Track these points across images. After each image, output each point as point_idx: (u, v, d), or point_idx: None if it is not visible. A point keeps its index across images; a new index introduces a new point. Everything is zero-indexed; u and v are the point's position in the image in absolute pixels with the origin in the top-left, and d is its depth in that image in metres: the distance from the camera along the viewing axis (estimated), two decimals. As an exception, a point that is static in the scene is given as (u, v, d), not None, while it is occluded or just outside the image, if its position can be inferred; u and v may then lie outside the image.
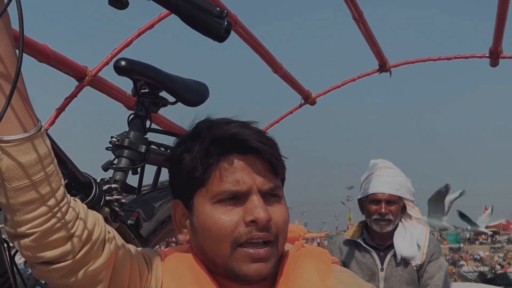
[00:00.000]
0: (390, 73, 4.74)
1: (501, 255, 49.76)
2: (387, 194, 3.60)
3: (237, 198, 1.36)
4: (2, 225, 1.31)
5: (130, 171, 2.06)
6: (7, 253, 1.52)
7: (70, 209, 1.24)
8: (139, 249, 1.44)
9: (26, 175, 1.16)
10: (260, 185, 1.36)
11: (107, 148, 2.06)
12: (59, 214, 1.21)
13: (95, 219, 1.30)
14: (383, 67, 4.69)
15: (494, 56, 4.38)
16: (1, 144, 1.14)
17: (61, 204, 1.21)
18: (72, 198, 1.28)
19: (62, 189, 1.22)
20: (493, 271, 36.34)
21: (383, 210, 3.59)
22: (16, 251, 1.63)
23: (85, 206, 1.31)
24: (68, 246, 1.22)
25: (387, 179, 3.64)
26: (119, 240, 1.35)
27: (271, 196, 1.38)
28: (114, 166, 2.00)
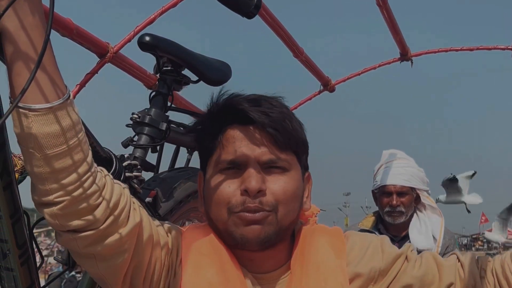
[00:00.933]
0: (412, 62, 4.70)
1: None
2: (398, 186, 3.59)
3: (238, 167, 1.40)
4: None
5: (150, 149, 2.05)
6: (26, 225, 1.52)
7: (98, 178, 1.26)
8: (161, 221, 1.47)
9: (56, 144, 1.17)
10: (258, 156, 1.39)
11: (127, 125, 2.04)
12: (87, 184, 1.22)
13: (121, 190, 1.32)
14: (405, 55, 4.65)
15: (517, 48, 4.33)
16: (31, 113, 1.15)
17: (89, 173, 1.23)
18: (99, 168, 1.30)
19: (90, 157, 1.25)
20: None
21: (394, 202, 3.59)
22: (35, 223, 1.64)
23: (111, 176, 1.33)
24: (94, 215, 1.25)
25: (398, 170, 3.62)
26: (144, 212, 1.38)
27: (274, 168, 1.41)
28: (134, 143, 1.99)
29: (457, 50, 4.62)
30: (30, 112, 1.15)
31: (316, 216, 1.63)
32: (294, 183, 1.42)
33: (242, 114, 1.40)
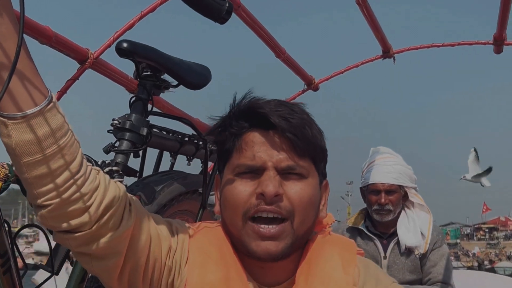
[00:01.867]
0: (394, 59, 4.72)
1: (497, 251, 49.98)
2: (386, 184, 3.59)
3: (255, 172, 1.38)
4: None
5: (132, 154, 2.06)
6: (7, 233, 1.53)
7: (88, 181, 1.26)
8: (169, 220, 1.47)
9: (37, 150, 1.17)
10: (276, 162, 1.37)
11: (108, 131, 2.05)
12: (74, 187, 1.23)
13: (115, 191, 1.31)
14: (387, 53, 4.67)
15: (498, 43, 4.36)
16: (9, 121, 1.15)
17: (76, 177, 1.23)
18: (94, 168, 1.30)
19: (77, 161, 1.24)
20: (482, 266, 36.62)
21: (382, 200, 3.58)
22: (17, 233, 1.65)
23: (107, 177, 1.32)
24: (83, 218, 1.25)
25: (386, 169, 3.62)
26: (142, 212, 1.38)
27: (292, 174, 1.39)
28: (116, 148, 2.00)
29: (438, 46, 4.65)
30: (8, 121, 1.15)
31: (330, 226, 1.62)
32: (311, 190, 1.40)
33: (263, 118, 1.38)
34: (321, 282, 1.41)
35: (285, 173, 1.38)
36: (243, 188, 1.38)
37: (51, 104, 1.19)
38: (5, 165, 1.75)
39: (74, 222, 1.25)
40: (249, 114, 1.41)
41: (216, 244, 1.45)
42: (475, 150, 11.85)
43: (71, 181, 1.22)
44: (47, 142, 1.18)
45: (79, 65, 2.63)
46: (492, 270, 33.03)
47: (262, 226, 1.36)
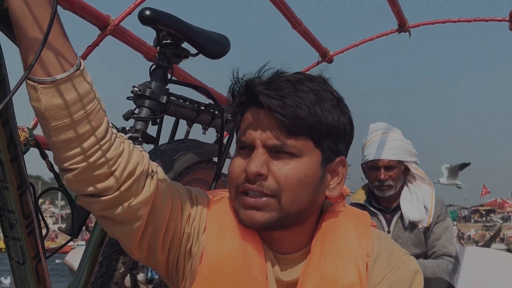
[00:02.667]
0: (409, 34, 4.70)
1: (492, 233, 50.01)
2: (386, 160, 3.62)
3: (249, 149, 1.42)
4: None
5: (150, 121, 2.08)
6: (32, 196, 1.57)
7: (113, 146, 1.29)
8: (188, 188, 1.51)
9: (65, 115, 1.20)
10: (264, 139, 1.40)
11: (128, 98, 2.07)
12: (99, 152, 1.26)
13: (139, 157, 1.35)
14: (402, 27, 4.65)
15: (515, 20, 4.32)
16: (39, 86, 1.18)
17: (101, 142, 1.26)
18: (119, 135, 1.33)
19: (103, 126, 1.27)
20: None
21: (382, 176, 3.62)
22: (40, 194, 1.69)
23: (131, 144, 1.36)
24: (108, 182, 1.29)
25: (385, 144, 3.64)
26: (163, 179, 1.42)
27: (283, 152, 1.40)
28: (135, 115, 2.02)
29: (454, 22, 4.63)
30: (38, 85, 1.18)
31: (345, 198, 1.64)
32: (304, 170, 1.41)
33: (257, 98, 1.40)
34: (336, 252, 1.44)
35: (276, 152, 1.40)
36: (237, 164, 1.43)
37: (79, 70, 1.22)
38: (25, 129, 1.78)
39: (98, 186, 1.29)
40: (246, 92, 1.44)
41: (232, 213, 1.48)
42: (450, 166, 12.24)
43: (97, 146, 1.26)
44: (74, 107, 1.21)
45: (99, 32, 2.65)
46: (486, 251, 33.09)
47: (248, 197, 1.41)
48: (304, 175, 1.41)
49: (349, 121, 1.48)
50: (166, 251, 1.43)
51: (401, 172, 3.67)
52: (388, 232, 3.65)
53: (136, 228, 1.37)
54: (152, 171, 1.39)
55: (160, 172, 1.42)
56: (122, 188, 1.31)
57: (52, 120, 1.21)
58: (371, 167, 3.68)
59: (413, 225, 3.64)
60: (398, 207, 3.69)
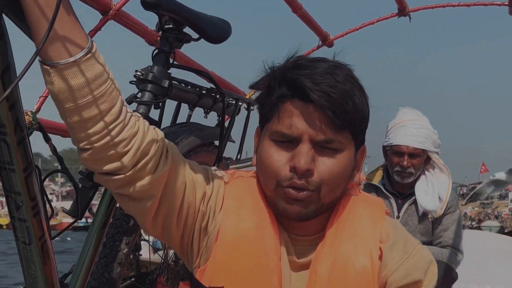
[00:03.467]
0: (410, 18, 4.71)
1: (489, 210, 49.91)
2: (411, 147, 3.59)
3: (291, 141, 1.42)
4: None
5: (153, 105, 2.11)
6: (37, 178, 1.60)
7: (127, 127, 1.33)
8: (205, 167, 1.54)
9: (77, 97, 1.24)
10: (312, 135, 1.40)
11: (131, 82, 2.09)
12: (113, 132, 1.30)
13: (153, 136, 1.38)
14: (402, 11, 4.65)
15: (515, 4, 4.33)
16: (51, 69, 1.22)
17: (116, 122, 1.30)
18: (135, 114, 1.37)
19: (117, 107, 1.30)
20: (469, 226, 36.63)
21: (405, 163, 3.60)
22: (45, 177, 1.72)
23: (146, 123, 1.39)
24: (123, 162, 1.33)
25: (412, 132, 3.61)
26: (178, 158, 1.45)
27: (327, 148, 1.42)
28: (138, 99, 2.05)
29: (454, 6, 4.64)
30: (51, 69, 1.22)
31: (361, 184, 1.67)
32: (344, 163, 1.44)
33: (304, 91, 1.40)
34: (350, 236, 1.48)
35: (320, 146, 1.42)
36: (278, 157, 1.43)
37: (90, 54, 1.25)
38: (29, 113, 1.80)
39: (113, 165, 1.33)
40: (292, 84, 1.43)
41: (251, 193, 1.52)
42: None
43: (111, 126, 1.29)
44: (86, 89, 1.25)
45: (101, 16, 2.67)
46: (478, 228, 33.00)
47: (293, 190, 1.42)
48: (344, 169, 1.45)
49: (369, 109, 1.51)
50: (181, 228, 1.47)
51: (423, 161, 3.66)
52: (397, 217, 3.65)
53: (150, 205, 1.41)
54: (167, 151, 1.42)
55: (176, 151, 1.46)
56: (136, 168, 1.35)
57: (66, 102, 1.25)
58: (394, 152, 3.65)
59: (423, 214, 3.65)
60: (411, 194, 3.69)
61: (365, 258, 1.46)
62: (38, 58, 1.22)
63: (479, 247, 6.33)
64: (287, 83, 1.44)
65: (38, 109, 2.52)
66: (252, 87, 1.55)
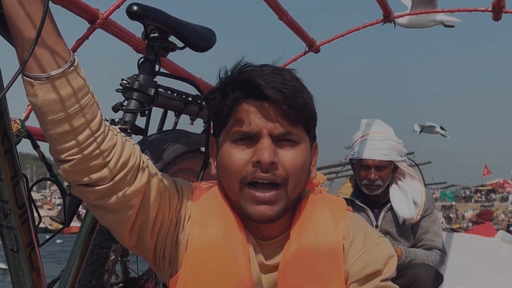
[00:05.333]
0: (395, 24, 4.75)
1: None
2: (377, 160, 3.61)
3: (250, 139, 1.46)
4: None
5: (139, 113, 2.13)
6: (25, 186, 1.62)
7: (107, 138, 1.35)
8: (173, 179, 1.56)
9: (61, 109, 1.26)
10: (271, 129, 1.45)
11: (117, 90, 2.12)
12: (94, 144, 1.32)
13: (131, 149, 1.41)
14: (388, 17, 4.70)
15: (497, 11, 4.38)
16: (35, 82, 1.24)
17: (96, 134, 1.32)
18: (112, 127, 1.39)
19: (97, 119, 1.33)
20: (465, 227, 36.50)
21: (372, 176, 3.62)
22: (32, 185, 1.74)
23: (124, 136, 1.42)
24: (103, 173, 1.35)
25: (377, 144, 3.63)
26: (153, 170, 1.47)
27: (286, 141, 1.47)
28: (124, 107, 2.07)
29: (438, 12, 4.68)
30: (35, 81, 1.24)
31: (321, 185, 1.70)
32: (303, 156, 1.49)
33: (258, 90, 1.45)
34: (314, 236, 1.51)
35: (279, 140, 1.46)
36: (239, 156, 1.47)
37: (73, 66, 1.28)
38: (18, 121, 1.81)
39: (93, 176, 1.35)
40: (245, 86, 1.48)
41: (216, 201, 1.55)
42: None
43: (92, 138, 1.32)
44: (69, 101, 1.27)
45: (89, 25, 2.69)
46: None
47: (258, 191, 1.45)
48: (305, 160, 1.50)
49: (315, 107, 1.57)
50: (154, 239, 1.49)
51: (390, 172, 3.67)
52: (376, 226, 3.66)
53: (127, 216, 1.43)
54: (143, 162, 1.45)
55: (151, 164, 1.48)
56: (116, 179, 1.37)
57: (49, 114, 1.27)
58: (361, 165, 3.67)
59: (401, 219, 3.66)
60: (386, 202, 3.71)
61: (330, 260, 1.49)
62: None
63: (467, 250, 6.37)
64: (240, 85, 1.49)
65: (27, 117, 2.54)
66: (204, 99, 1.59)
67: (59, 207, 2.01)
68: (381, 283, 1.49)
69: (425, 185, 3.80)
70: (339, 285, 1.48)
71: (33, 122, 2.58)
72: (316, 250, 1.50)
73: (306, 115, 1.50)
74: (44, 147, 2.09)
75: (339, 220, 1.55)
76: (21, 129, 1.81)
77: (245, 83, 1.48)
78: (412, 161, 11.71)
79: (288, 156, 1.46)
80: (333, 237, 1.51)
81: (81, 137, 1.30)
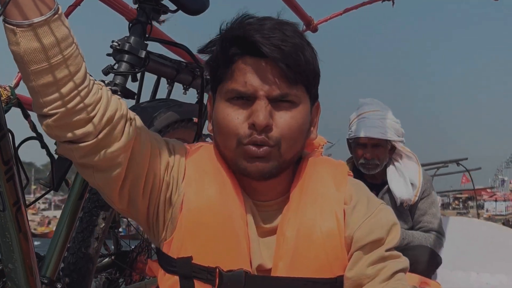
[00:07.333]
0: (393, 2, 4.69)
1: (464, 220, 50.15)
2: (375, 138, 3.58)
3: (246, 99, 1.42)
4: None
5: (130, 78, 2.09)
6: (10, 142, 1.58)
7: (91, 92, 1.32)
8: (166, 139, 1.53)
9: (43, 58, 1.23)
10: (268, 90, 1.41)
11: (108, 54, 2.08)
12: (78, 98, 1.28)
13: (117, 104, 1.37)
14: (386, -5, 4.65)
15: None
16: (17, 29, 1.20)
17: (80, 88, 1.29)
18: (97, 82, 1.35)
19: (82, 72, 1.29)
20: None
21: (368, 155, 3.60)
22: (20, 143, 1.71)
23: (109, 91, 1.38)
24: (87, 128, 1.31)
25: (374, 122, 3.60)
26: (141, 127, 1.44)
27: (283, 102, 1.42)
28: (114, 70, 2.04)
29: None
30: (17, 29, 1.20)
31: (322, 147, 1.67)
32: (301, 117, 1.45)
33: (255, 46, 1.40)
34: (314, 198, 1.48)
35: (276, 101, 1.42)
36: (235, 116, 1.42)
37: (57, 15, 1.24)
38: (8, 88, 1.78)
39: (78, 132, 1.31)
40: (241, 41, 1.43)
41: (211, 161, 1.51)
42: None
43: (75, 91, 1.28)
44: (53, 51, 1.23)
45: (80, -9, 2.65)
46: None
47: (253, 147, 1.41)
48: (302, 122, 1.46)
49: (318, 64, 1.51)
50: (147, 200, 1.46)
51: (387, 151, 3.64)
52: None
53: (116, 175, 1.39)
54: (131, 118, 1.41)
55: (138, 120, 1.44)
56: (101, 134, 1.33)
57: (31, 64, 1.23)
58: (357, 144, 3.64)
59: (399, 201, 3.64)
60: (383, 183, 3.69)
61: (331, 222, 1.46)
62: (2, 17, 1.21)
63: (463, 233, 6.34)
64: (237, 40, 1.44)
65: (17, 84, 2.51)
66: (200, 51, 1.54)
67: (43, 212, 1.97)
68: (386, 253, 1.47)
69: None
70: (340, 250, 1.46)
71: (23, 91, 2.55)
72: (316, 215, 1.46)
73: (306, 74, 1.44)
74: (35, 117, 2.06)
75: (340, 183, 1.52)
76: (11, 96, 1.78)
77: (242, 38, 1.43)
78: (463, 167, 11.75)
79: (284, 118, 1.42)
80: (334, 201, 1.49)
81: (64, 90, 1.26)
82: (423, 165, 3.63)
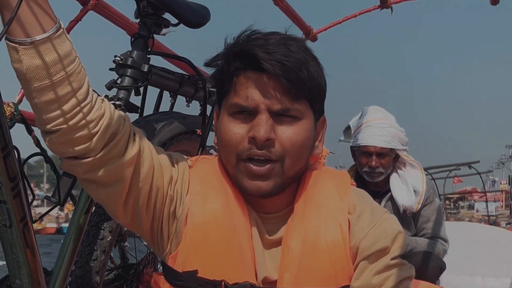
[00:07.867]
0: (392, 10, 4.71)
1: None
2: (379, 147, 3.57)
3: (248, 113, 1.42)
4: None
5: (133, 92, 2.11)
6: (16, 159, 1.59)
7: (94, 108, 1.32)
8: (169, 152, 1.53)
9: (46, 75, 1.23)
10: (269, 104, 1.40)
11: (110, 69, 2.10)
12: (80, 114, 1.29)
13: (120, 119, 1.37)
14: (384, 3, 4.66)
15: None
16: (20, 47, 1.21)
17: (82, 104, 1.29)
18: (100, 97, 1.35)
19: (84, 88, 1.30)
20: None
21: (373, 163, 3.58)
22: (26, 160, 1.72)
23: (112, 106, 1.38)
24: (90, 144, 1.31)
25: (379, 131, 3.60)
26: (145, 141, 1.44)
27: (286, 116, 1.42)
28: (118, 84, 2.05)
29: (435, -4, 4.64)
30: (19, 46, 1.21)
31: (325, 158, 1.66)
32: (304, 132, 1.44)
33: (257, 62, 1.39)
34: (318, 209, 1.48)
35: (278, 116, 1.41)
36: (236, 130, 1.42)
37: (59, 31, 1.25)
38: (11, 104, 1.79)
39: (81, 147, 1.31)
40: (244, 56, 1.43)
41: (216, 174, 1.51)
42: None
43: (78, 108, 1.28)
44: (55, 68, 1.24)
45: (81, 7, 2.66)
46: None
47: (254, 165, 1.41)
48: (305, 137, 1.45)
49: (325, 79, 1.51)
50: (151, 214, 1.46)
51: (391, 160, 3.64)
52: None
53: (120, 189, 1.40)
54: (134, 133, 1.42)
55: (142, 136, 1.45)
56: (104, 150, 1.34)
57: (34, 81, 1.24)
58: (362, 152, 3.63)
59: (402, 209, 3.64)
60: (387, 191, 3.69)
61: (336, 232, 1.46)
62: (4, 35, 1.22)
63: (467, 238, 6.35)
64: (240, 55, 1.44)
65: (20, 100, 2.51)
66: (206, 64, 1.54)
67: (36, 209, 1.99)
68: (391, 261, 1.47)
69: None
70: (345, 259, 1.46)
71: (26, 107, 2.55)
72: (320, 225, 1.46)
73: (310, 89, 1.43)
74: (39, 132, 2.08)
75: (344, 193, 1.52)
76: (15, 113, 1.79)
77: (244, 53, 1.43)
78: (475, 170, 11.69)
79: (287, 132, 1.42)
80: (338, 211, 1.48)
81: (66, 107, 1.27)
82: (435, 168, 3.65)
